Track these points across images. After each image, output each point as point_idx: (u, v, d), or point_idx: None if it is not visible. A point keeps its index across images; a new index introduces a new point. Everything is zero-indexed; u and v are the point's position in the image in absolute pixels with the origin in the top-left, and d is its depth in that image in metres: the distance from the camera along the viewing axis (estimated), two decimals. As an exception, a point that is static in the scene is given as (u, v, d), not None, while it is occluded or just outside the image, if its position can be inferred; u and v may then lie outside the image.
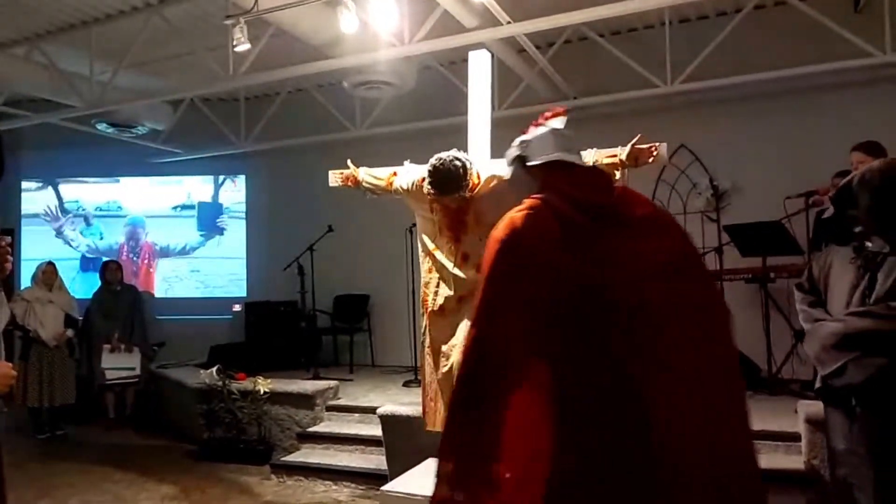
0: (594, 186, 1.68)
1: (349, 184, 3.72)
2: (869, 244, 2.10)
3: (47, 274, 5.84)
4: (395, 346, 6.77)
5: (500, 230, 1.61)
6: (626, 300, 1.52)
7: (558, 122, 1.80)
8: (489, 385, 1.54)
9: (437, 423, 3.16)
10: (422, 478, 3.34)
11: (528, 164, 1.74)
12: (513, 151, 1.80)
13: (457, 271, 3.11)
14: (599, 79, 5.97)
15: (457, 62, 6.37)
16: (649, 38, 5.94)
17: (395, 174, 3.50)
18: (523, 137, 1.81)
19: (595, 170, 1.80)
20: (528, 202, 1.64)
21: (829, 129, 5.19)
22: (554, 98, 6.06)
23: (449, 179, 2.95)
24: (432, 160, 3.01)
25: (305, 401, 4.86)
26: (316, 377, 5.67)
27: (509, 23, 4.35)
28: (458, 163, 2.96)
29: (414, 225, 5.68)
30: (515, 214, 1.61)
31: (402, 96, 6.31)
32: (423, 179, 3.13)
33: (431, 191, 3.01)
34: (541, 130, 1.79)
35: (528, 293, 1.54)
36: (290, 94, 7.13)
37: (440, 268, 3.16)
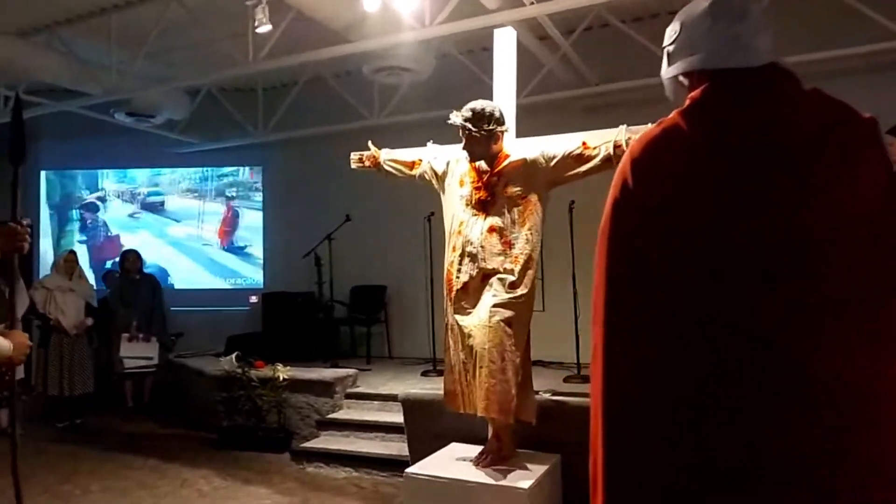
0: (762, 99, 1.18)
1: (368, 164, 3.69)
2: None
3: (69, 262, 5.84)
4: (413, 337, 6.72)
5: (614, 179, 1.24)
6: (782, 265, 1.09)
7: None
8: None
9: (464, 405, 3.09)
10: (446, 461, 3.30)
11: (666, 74, 1.31)
12: (666, 41, 1.35)
13: (482, 245, 3.05)
14: (621, 65, 5.87)
15: (475, 50, 6.30)
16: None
17: (419, 161, 3.46)
18: (678, 16, 1.30)
19: (772, 71, 1.20)
20: (651, 130, 1.25)
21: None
22: (576, 85, 5.98)
23: (476, 114, 3.05)
24: (470, 103, 3.15)
25: (325, 388, 4.82)
26: (334, 367, 5.63)
27: (532, 3, 4.27)
28: (491, 107, 3.10)
29: (432, 214, 5.68)
30: (634, 149, 1.24)
31: (419, 85, 6.25)
32: (458, 160, 3.23)
33: (459, 117, 3.08)
34: (698, 9, 1.26)
35: (643, 262, 1.18)
36: (307, 83, 7.10)
37: (465, 243, 3.11)
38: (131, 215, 8.37)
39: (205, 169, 8.18)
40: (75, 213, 8.40)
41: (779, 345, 1.09)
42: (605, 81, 5.93)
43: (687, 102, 1.26)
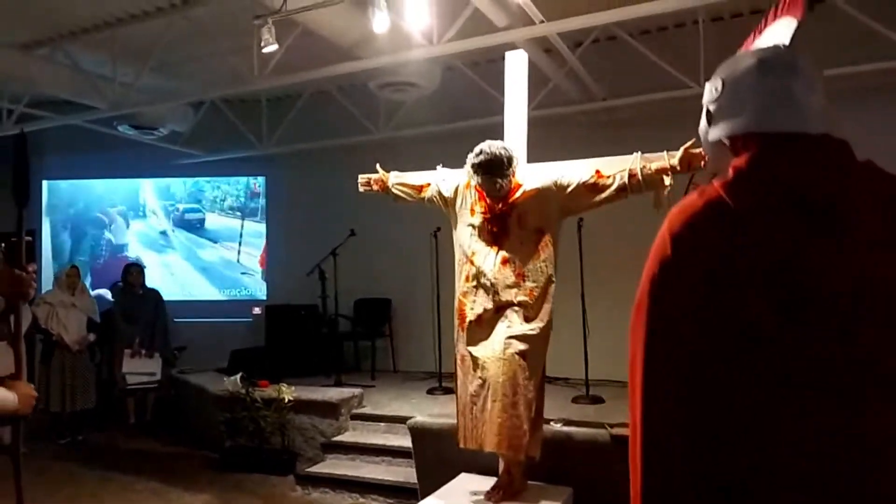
0: (815, 169, 1.09)
1: (377, 188, 3.62)
2: None
3: (71, 277, 5.79)
4: (417, 351, 6.66)
5: (652, 252, 1.15)
6: (847, 358, 1.03)
7: (781, 32, 1.15)
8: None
9: (467, 440, 3.02)
10: (457, 495, 3.23)
11: (711, 136, 1.21)
12: (706, 97, 1.23)
13: (495, 279, 2.99)
14: (629, 80, 5.81)
15: (480, 63, 6.25)
16: (680, 38, 5.78)
17: (427, 185, 3.40)
18: (719, 72, 1.21)
19: (826, 140, 1.12)
20: (692, 201, 1.13)
21: (872, 132, 4.97)
22: (583, 99, 5.93)
23: (493, 163, 2.94)
24: (481, 144, 3.01)
25: (330, 409, 4.76)
26: (338, 384, 5.59)
27: (542, 22, 4.21)
28: (504, 151, 2.98)
29: (438, 229, 5.63)
30: (673, 223, 1.13)
31: (425, 98, 6.19)
32: (468, 185, 3.12)
33: (472, 171, 2.97)
34: (744, 64, 1.17)
35: (687, 354, 1.12)
36: (312, 95, 7.04)
37: (478, 274, 3.04)
38: (163, 233, 7.97)
39: (251, 178, 7.85)
40: (92, 228, 8.12)
41: (827, 430, 1.05)
42: (612, 96, 5.86)
43: (731, 173, 1.16)
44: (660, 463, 1.15)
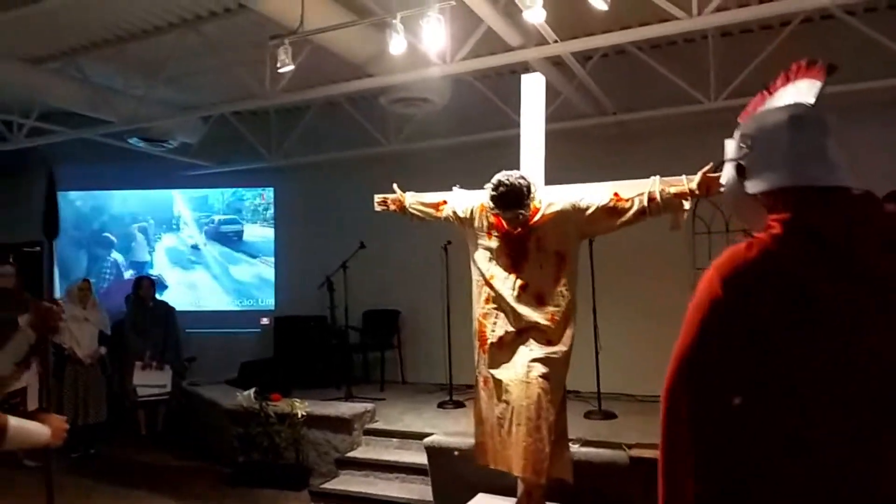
0: (849, 219, 1.16)
1: (393, 208, 3.63)
2: None
3: (83, 291, 5.80)
4: (426, 362, 6.68)
5: (700, 291, 1.19)
6: (852, 369, 1.10)
7: (803, 92, 1.21)
8: None
9: (497, 462, 3.04)
10: (475, 516, 3.25)
11: (740, 189, 1.26)
12: (729, 149, 1.30)
13: (515, 303, 3.01)
14: (639, 94, 5.83)
15: (491, 76, 6.27)
16: (691, 53, 5.80)
17: (444, 202, 3.41)
18: (746, 128, 1.27)
19: (857, 195, 1.19)
20: (741, 251, 1.17)
21: (881, 147, 5.01)
22: (594, 112, 5.94)
23: (513, 196, 2.94)
24: (498, 175, 3.00)
25: (343, 425, 4.77)
26: (348, 396, 5.61)
27: (556, 41, 4.23)
28: (522, 181, 2.97)
29: (449, 242, 5.65)
30: (724, 270, 1.17)
31: (435, 111, 6.21)
32: (484, 208, 3.13)
33: (492, 206, 2.98)
34: (774, 120, 1.23)
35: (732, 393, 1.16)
36: (321, 107, 7.07)
37: (497, 298, 3.06)
38: (194, 247, 7.65)
39: (260, 189, 7.59)
40: (100, 248, 7.95)
41: (833, 440, 1.09)
42: (622, 109, 5.88)
43: (779, 227, 1.19)
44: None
